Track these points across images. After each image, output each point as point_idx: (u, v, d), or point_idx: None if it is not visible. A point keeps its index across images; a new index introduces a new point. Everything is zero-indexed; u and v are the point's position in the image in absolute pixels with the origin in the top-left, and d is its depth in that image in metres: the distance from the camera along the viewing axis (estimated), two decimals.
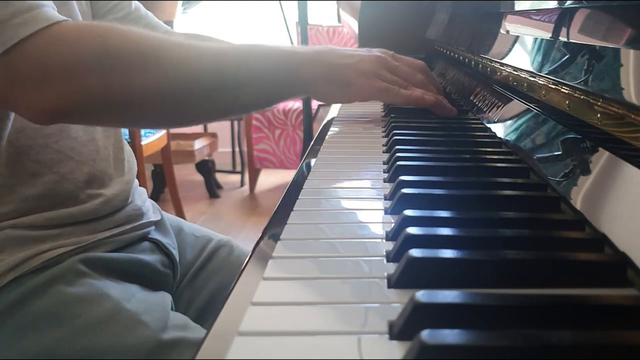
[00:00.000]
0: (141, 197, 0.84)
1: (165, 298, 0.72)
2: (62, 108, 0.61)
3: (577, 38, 0.53)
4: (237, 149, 3.87)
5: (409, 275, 0.33)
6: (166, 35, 0.68)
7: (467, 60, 0.94)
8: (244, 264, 0.37)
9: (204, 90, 0.67)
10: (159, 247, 0.80)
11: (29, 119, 0.63)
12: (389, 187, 0.52)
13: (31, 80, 0.60)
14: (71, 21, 0.62)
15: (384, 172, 0.58)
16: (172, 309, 0.72)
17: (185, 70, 0.66)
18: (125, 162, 0.81)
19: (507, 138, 0.64)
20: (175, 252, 0.82)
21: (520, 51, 0.69)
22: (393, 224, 0.42)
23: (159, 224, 0.84)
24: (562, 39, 0.56)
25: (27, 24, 0.58)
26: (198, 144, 3.24)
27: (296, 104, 3.39)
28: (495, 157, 0.60)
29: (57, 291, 0.66)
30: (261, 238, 0.41)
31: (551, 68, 0.55)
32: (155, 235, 0.81)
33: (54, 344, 0.63)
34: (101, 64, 0.61)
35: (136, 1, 0.91)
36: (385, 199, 0.49)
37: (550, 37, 0.59)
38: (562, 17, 0.57)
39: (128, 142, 2.49)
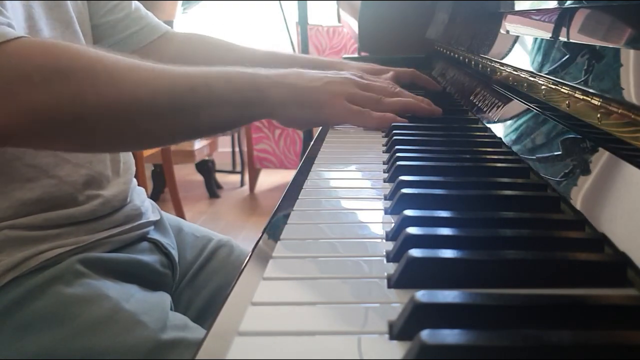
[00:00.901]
0: (140, 197, 0.83)
1: (165, 298, 0.72)
2: (9, 127, 0.59)
3: (577, 38, 0.53)
4: (237, 149, 3.87)
5: (409, 275, 0.33)
6: (123, 56, 0.65)
7: (467, 60, 0.94)
8: (244, 264, 0.37)
9: (158, 110, 0.65)
10: (158, 247, 0.80)
11: None
12: (389, 187, 0.52)
13: None
14: (26, 39, 0.60)
15: (384, 172, 0.58)
16: (171, 309, 0.72)
17: (139, 90, 0.63)
18: (122, 163, 0.81)
19: (507, 138, 0.64)
20: (174, 252, 0.82)
21: (520, 51, 0.69)
22: (393, 224, 0.42)
23: (158, 224, 0.84)
24: (562, 39, 0.56)
25: None
26: (198, 144, 3.24)
27: None
28: (495, 157, 0.60)
29: (56, 291, 0.66)
30: (261, 238, 0.41)
31: (551, 68, 0.55)
32: (154, 235, 0.81)
33: (53, 345, 0.63)
34: (50, 80, 0.59)
35: (136, 1, 0.91)
36: (385, 199, 0.49)
37: (550, 37, 0.59)
38: (562, 17, 0.57)
39: None
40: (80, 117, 0.61)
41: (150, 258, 0.77)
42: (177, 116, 0.66)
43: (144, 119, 0.65)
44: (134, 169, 0.84)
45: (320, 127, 0.87)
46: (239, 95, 0.68)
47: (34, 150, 0.69)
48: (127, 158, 0.83)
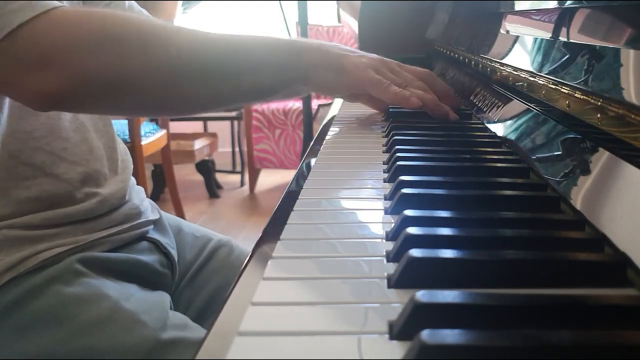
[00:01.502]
0: (139, 196, 0.83)
1: (164, 298, 0.72)
2: (62, 90, 0.61)
3: (577, 38, 0.53)
4: (237, 149, 3.87)
5: (409, 275, 0.33)
6: (169, 23, 0.68)
7: (467, 60, 0.94)
8: (244, 264, 0.37)
9: (204, 72, 0.67)
10: (158, 247, 0.80)
11: (29, 104, 0.63)
12: (389, 187, 0.52)
13: (30, 64, 0.60)
14: (68, 7, 0.63)
15: (384, 172, 0.58)
16: (171, 309, 0.72)
17: (186, 52, 0.66)
18: (119, 161, 0.81)
19: (507, 138, 0.64)
20: (173, 252, 0.82)
21: (520, 51, 0.69)
22: (393, 224, 0.42)
23: (157, 224, 0.83)
24: (562, 39, 0.56)
25: (24, 10, 0.59)
26: (198, 144, 3.25)
27: (296, 104, 3.39)
28: (495, 157, 0.60)
29: (55, 291, 0.66)
30: (261, 238, 0.41)
31: (551, 68, 0.55)
32: (153, 234, 0.81)
33: (52, 345, 0.63)
34: (101, 44, 0.61)
35: (133, 0, 0.91)
36: (385, 199, 0.49)
37: (550, 37, 0.59)
38: (562, 17, 0.57)
39: (127, 143, 2.48)
40: (130, 80, 0.64)
41: (150, 258, 0.77)
42: (221, 78, 0.68)
43: (191, 81, 0.67)
44: (131, 167, 0.84)
45: (321, 127, 0.87)
46: (276, 58, 0.71)
47: (32, 149, 0.69)
48: (124, 156, 0.83)
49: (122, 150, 0.83)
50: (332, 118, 0.90)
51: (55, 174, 0.71)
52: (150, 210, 0.84)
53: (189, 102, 0.71)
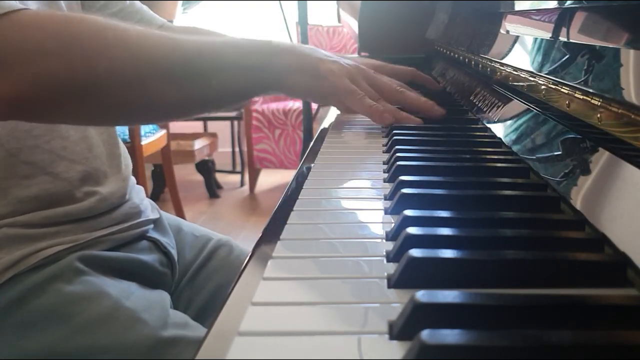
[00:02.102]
0: (139, 195, 0.83)
1: (164, 296, 0.72)
2: (21, 95, 0.58)
3: (577, 38, 0.53)
4: (237, 149, 3.87)
5: (409, 275, 0.33)
6: (133, 25, 0.66)
7: (467, 60, 0.94)
8: (244, 264, 0.37)
9: (169, 74, 0.65)
10: (158, 246, 0.80)
11: None
12: (389, 187, 0.52)
13: None
14: (32, 10, 0.61)
15: (384, 172, 0.58)
16: (171, 308, 0.72)
17: (150, 54, 0.64)
18: (122, 157, 0.81)
19: (507, 138, 0.63)
20: (173, 252, 0.82)
21: (520, 51, 0.69)
22: (393, 224, 0.42)
23: (157, 223, 0.84)
24: (562, 39, 0.56)
25: None
26: (198, 144, 3.25)
27: (296, 104, 3.39)
28: (495, 157, 0.60)
29: (55, 289, 0.66)
30: (261, 238, 0.41)
31: (551, 68, 0.55)
32: (153, 234, 0.81)
33: (53, 343, 0.63)
34: (62, 47, 0.59)
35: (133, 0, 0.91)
36: (385, 199, 0.49)
37: (550, 37, 0.59)
38: (562, 17, 0.57)
39: (127, 143, 2.47)
40: (93, 83, 0.61)
41: (150, 257, 0.77)
42: (188, 81, 0.66)
43: (156, 84, 0.64)
44: (131, 166, 0.84)
45: (321, 127, 0.87)
46: (246, 59, 0.69)
47: (30, 147, 0.69)
48: (124, 155, 0.83)
49: (122, 148, 0.83)
50: (333, 118, 0.90)
51: (55, 172, 0.71)
52: (150, 209, 0.84)
53: (154, 106, 0.68)
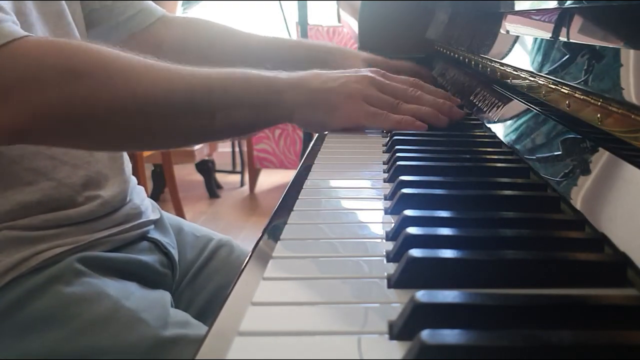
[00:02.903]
0: (139, 195, 0.83)
1: (165, 296, 0.72)
2: (21, 125, 0.58)
3: (577, 38, 0.53)
4: (237, 149, 3.87)
5: (409, 275, 0.33)
6: (138, 56, 0.64)
7: (467, 60, 0.94)
8: (244, 264, 0.37)
9: (173, 111, 0.64)
10: (158, 246, 0.80)
11: None
12: (389, 187, 0.52)
13: None
14: (34, 37, 0.60)
15: (384, 172, 0.58)
16: (172, 307, 0.72)
17: (154, 90, 0.63)
18: (123, 158, 0.80)
19: (507, 138, 0.64)
20: (174, 252, 0.82)
21: (520, 51, 0.69)
22: (393, 224, 0.42)
23: (158, 223, 0.83)
24: (562, 39, 0.56)
25: None
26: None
27: None
28: (495, 157, 0.60)
29: (55, 291, 0.66)
30: (261, 238, 0.41)
31: (551, 68, 0.55)
32: (154, 234, 0.81)
33: (54, 345, 0.63)
34: (63, 79, 0.59)
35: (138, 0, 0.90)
36: (385, 199, 0.49)
37: (550, 37, 0.59)
38: (562, 17, 0.57)
39: None
40: (94, 117, 0.61)
41: (150, 258, 0.77)
42: (192, 117, 0.65)
43: (158, 119, 0.64)
44: (130, 166, 0.83)
45: None
46: (255, 97, 0.67)
47: (32, 153, 0.69)
48: (125, 156, 0.82)
49: None
50: None
51: (58, 178, 0.70)
52: (150, 210, 0.84)
53: (156, 139, 0.68)
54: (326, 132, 0.75)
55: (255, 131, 0.73)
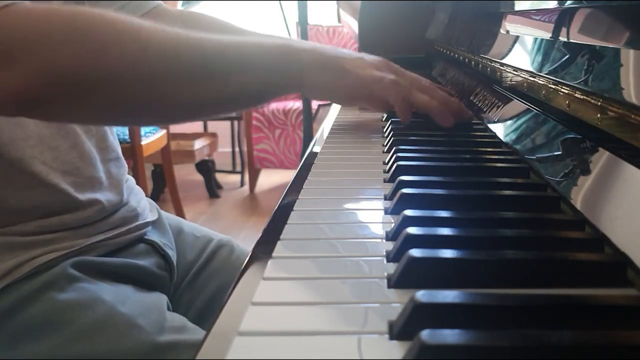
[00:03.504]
0: (136, 197, 0.81)
1: (161, 299, 0.71)
2: (29, 90, 0.55)
3: (577, 38, 0.53)
4: (237, 149, 3.87)
5: (409, 275, 0.33)
6: (147, 21, 0.62)
7: (467, 60, 0.94)
8: (244, 263, 0.37)
9: (186, 72, 0.61)
10: (155, 248, 0.78)
11: None
12: (389, 187, 0.52)
13: None
14: (34, 2, 0.57)
15: (384, 172, 0.58)
16: (169, 310, 0.71)
17: (166, 49, 0.60)
18: (116, 161, 0.78)
19: (507, 138, 0.64)
20: (172, 253, 0.80)
21: (520, 51, 0.69)
22: (393, 224, 0.42)
23: (156, 224, 0.82)
24: (562, 39, 0.56)
25: None
26: (198, 144, 3.25)
27: (296, 104, 3.39)
28: (495, 157, 0.60)
29: (49, 297, 0.64)
30: (261, 238, 0.41)
31: (551, 68, 0.55)
32: (151, 235, 0.79)
33: (48, 352, 0.62)
34: (71, 39, 0.56)
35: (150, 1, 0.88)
36: (385, 199, 0.49)
37: (550, 37, 0.59)
38: (562, 17, 0.57)
39: (127, 143, 2.45)
40: (104, 78, 0.58)
41: (147, 261, 0.75)
42: (206, 80, 0.62)
43: (171, 81, 0.61)
44: (126, 167, 0.81)
45: (321, 127, 0.87)
46: (268, 59, 0.66)
47: (30, 157, 0.67)
48: (118, 157, 0.80)
49: (115, 148, 0.80)
50: (333, 118, 0.90)
51: (52, 184, 0.69)
52: (148, 210, 0.82)
53: (170, 104, 0.64)
54: (324, 129, 0.75)
55: (266, 99, 0.70)
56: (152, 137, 2.47)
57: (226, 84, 0.63)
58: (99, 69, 0.57)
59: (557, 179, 0.46)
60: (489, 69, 0.80)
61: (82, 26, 0.57)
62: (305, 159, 0.66)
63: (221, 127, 3.86)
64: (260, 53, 0.66)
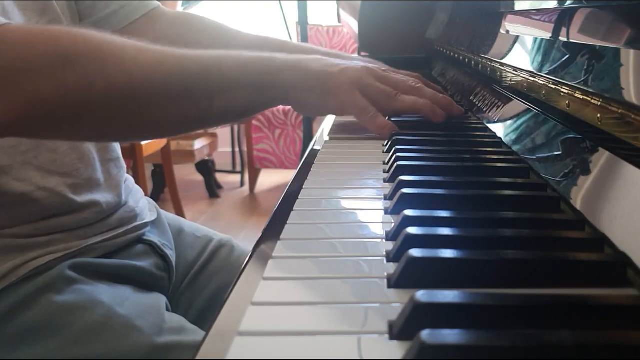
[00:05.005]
0: (135, 197, 0.81)
1: (160, 300, 0.71)
2: (14, 117, 0.55)
3: (577, 38, 0.53)
4: (237, 149, 3.87)
5: (409, 275, 0.33)
6: (129, 39, 0.61)
7: (467, 60, 0.94)
8: (244, 264, 0.37)
9: (170, 94, 0.62)
10: (154, 249, 0.78)
11: None
12: (389, 187, 0.52)
13: None
14: (16, 24, 0.57)
15: (384, 172, 0.58)
16: (168, 311, 0.70)
17: (150, 73, 0.60)
18: (115, 161, 0.78)
19: (507, 138, 0.64)
20: (171, 253, 0.80)
21: (520, 51, 0.69)
22: (393, 224, 0.42)
23: (155, 223, 0.82)
24: (562, 39, 0.56)
25: None
26: (198, 144, 3.25)
27: None
28: (495, 157, 0.60)
29: (47, 300, 0.64)
30: (261, 238, 0.41)
31: (551, 68, 0.55)
32: (150, 236, 0.79)
33: (46, 355, 0.62)
34: (55, 65, 0.56)
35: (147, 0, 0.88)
36: (385, 199, 0.49)
37: (550, 37, 0.59)
38: (562, 17, 0.57)
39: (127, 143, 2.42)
40: (88, 105, 0.58)
41: (145, 262, 0.75)
42: (190, 101, 0.63)
43: (156, 104, 0.61)
44: (125, 167, 0.81)
45: (321, 127, 0.87)
46: (252, 78, 0.66)
47: (20, 164, 0.66)
48: (117, 157, 0.79)
49: (115, 149, 0.80)
50: (333, 118, 0.90)
51: (48, 187, 0.68)
52: (147, 210, 0.82)
53: (155, 126, 0.65)
54: (324, 129, 0.75)
55: (252, 114, 0.70)
56: None
57: (210, 105, 0.64)
58: (83, 98, 0.58)
59: (557, 179, 0.46)
60: (489, 69, 0.80)
61: (65, 53, 0.57)
62: (305, 158, 0.66)
63: (221, 127, 3.86)
64: (243, 72, 0.66)
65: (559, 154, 0.50)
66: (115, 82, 0.58)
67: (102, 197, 0.73)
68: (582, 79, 0.48)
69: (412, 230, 0.37)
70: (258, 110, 0.71)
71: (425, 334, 0.25)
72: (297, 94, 0.68)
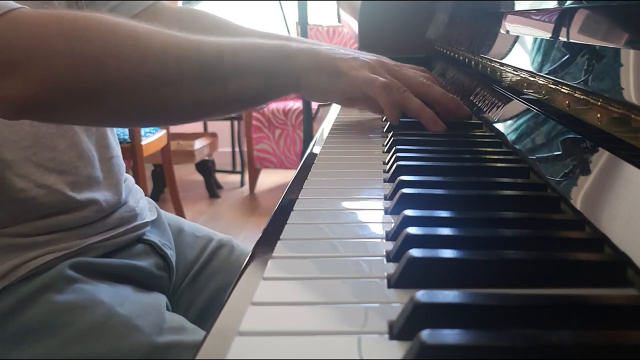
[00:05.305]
0: (135, 197, 0.81)
1: (160, 299, 0.71)
2: (29, 97, 0.56)
3: (577, 38, 0.53)
4: (237, 149, 3.87)
5: (409, 275, 0.33)
6: (146, 24, 0.62)
7: (467, 60, 0.94)
8: (244, 263, 0.37)
9: (184, 76, 0.62)
10: (154, 248, 0.78)
11: None
12: (389, 187, 0.52)
13: None
14: (30, 9, 0.58)
15: (384, 172, 0.58)
16: (168, 310, 0.70)
17: (164, 54, 0.60)
18: (115, 159, 0.78)
19: (507, 138, 0.63)
20: (171, 252, 0.80)
21: (520, 51, 0.69)
22: (393, 224, 0.42)
23: (155, 223, 0.82)
24: (562, 39, 0.56)
25: None
26: (198, 144, 3.25)
27: (296, 104, 3.39)
28: (495, 157, 0.60)
29: (47, 300, 0.64)
30: (261, 238, 0.41)
31: (551, 68, 0.55)
32: (150, 235, 0.79)
33: (46, 355, 0.62)
34: (70, 47, 0.56)
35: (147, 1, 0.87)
36: (385, 199, 0.49)
37: (550, 37, 0.59)
38: (562, 17, 0.57)
39: (127, 143, 2.45)
40: (103, 84, 0.58)
41: (145, 261, 0.75)
42: (205, 85, 0.63)
43: (171, 88, 0.61)
44: (124, 167, 0.81)
45: (321, 127, 0.87)
46: (265, 62, 0.66)
47: (21, 159, 0.67)
48: (117, 156, 0.79)
49: (115, 148, 0.80)
50: (333, 118, 0.90)
51: (47, 184, 0.68)
52: (147, 209, 0.82)
53: (170, 109, 0.64)
54: (324, 128, 0.75)
55: (263, 102, 0.71)
56: (152, 137, 2.47)
57: (224, 88, 0.64)
58: (98, 80, 0.58)
59: (557, 179, 0.46)
60: (489, 69, 0.80)
61: (80, 33, 0.57)
62: (305, 158, 0.66)
63: (221, 127, 3.86)
64: (257, 57, 0.66)
65: (558, 154, 0.50)
66: (129, 63, 0.59)
67: (102, 195, 0.73)
68: (582, 79, 0.48)
69: (412, 230, 0.37)
70: (269, 97, 0.71)
71: (425, 334, 0.25)
72: (310, 78, 0.68)
